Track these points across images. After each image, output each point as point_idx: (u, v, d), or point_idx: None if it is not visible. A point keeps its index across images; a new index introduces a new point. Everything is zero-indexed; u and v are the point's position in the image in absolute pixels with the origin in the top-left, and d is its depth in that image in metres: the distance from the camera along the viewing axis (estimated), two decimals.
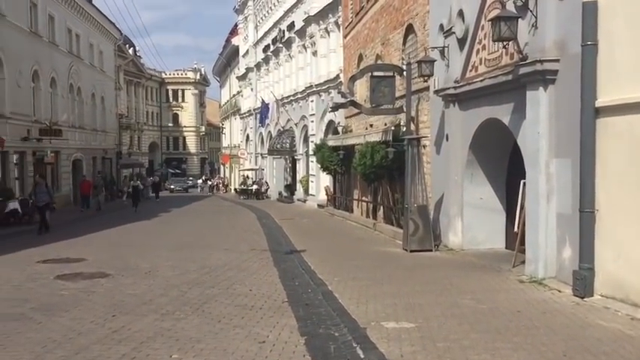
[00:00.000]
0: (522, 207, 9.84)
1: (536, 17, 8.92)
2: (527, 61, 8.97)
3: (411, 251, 12.49)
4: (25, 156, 24.46)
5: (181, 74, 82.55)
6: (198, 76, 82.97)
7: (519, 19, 9.05)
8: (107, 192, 33.34)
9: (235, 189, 45.46)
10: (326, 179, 25.73)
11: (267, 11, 38.66)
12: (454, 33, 12.19)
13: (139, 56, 70.72)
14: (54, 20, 28.48)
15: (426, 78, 13.03)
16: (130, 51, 64.23)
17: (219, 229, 19.15)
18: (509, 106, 10.11)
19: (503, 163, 12.07)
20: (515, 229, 10.19)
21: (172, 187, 56.55)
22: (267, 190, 38.52)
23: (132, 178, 32.36)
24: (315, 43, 27.68)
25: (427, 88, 13.87)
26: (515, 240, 10.25)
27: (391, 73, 15.04)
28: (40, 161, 25.91)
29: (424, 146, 13.91)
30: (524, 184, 9.67)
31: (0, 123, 21.78)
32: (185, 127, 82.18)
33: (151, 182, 43.33)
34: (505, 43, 9.47)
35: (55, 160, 28.35)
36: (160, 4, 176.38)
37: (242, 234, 17.19)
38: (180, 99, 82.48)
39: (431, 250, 12.46)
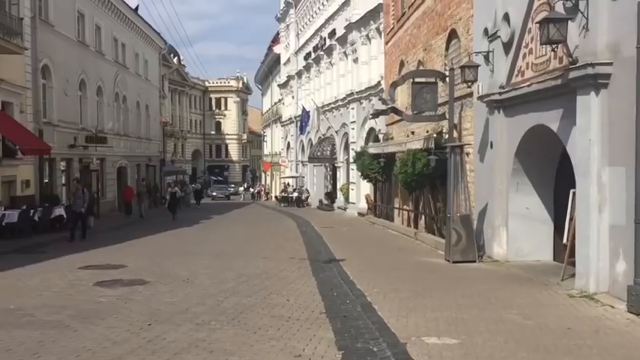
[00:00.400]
0: (572, 218, 9.38)
1: (587, 19, 8.50)
2: (578, 65, 8.55)
3: (454, 262, 12.10)
4: (71, 163, 25.02)
5: (224, 82, 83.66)
6: (240, 85, 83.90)
7: (569, 21, 8.64)
8: (150, 199, 33.79)
9: (276, 196, 45.57)
10: (366, 187, 25.47)
11: (309, 19, 38.73)
12: (499, 37, 11.80)
13: (184, 65, 72.04)
14: (101, 30, 29.15)
15: (469, 84, 12.66)
16: (175, 60, 65.59)
17: (258, 236, 19.12)
18: (558, 112, 9.67)
19: (550, 172, 11.59)
20: (564, 240, 9.72)
21: (214, 194, 56.32)
22: (307, 197, 38.46)
23: (170, 185, 32.08)
24: (356, 50, 27.52)
25: (471, 94, 13.48)
26: (564, 252, 9.78)
27: (433, 80, 14.71)
28: (86, 168, 26.45)
29: (467, 154, 13.52)
30: (574, 193, 9.21)
31: (48, 130, 22.29)
32: (227, 134, 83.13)
33: (193, 189, 43.83)
34: (554, 46, 9.06)
35: (101, 167, 28.91)
36: (206, 14, 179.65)
37: (281, 242, 17.11)
38: (223, 107, 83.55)
39: (474, 262, 12.04)
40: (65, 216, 20.25)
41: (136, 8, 36.06)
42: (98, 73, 28.54)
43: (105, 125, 28.75)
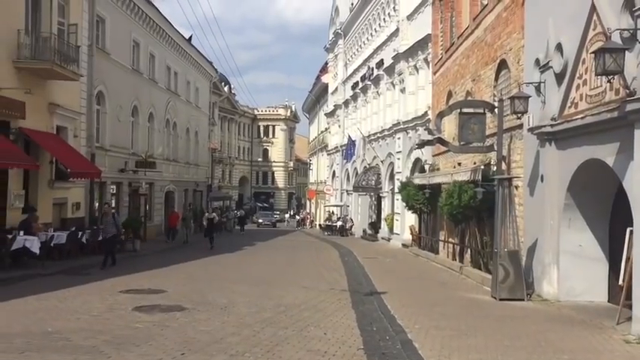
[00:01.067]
0: (629, 258, 8.81)
1: None
2: (636, 97, 8.11)
3: (500, 300, 11.57)
4: (121, 187, 25.52)
5: (273, 111, 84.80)
6: (288, 113, 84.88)
7: (626, 52, 8.24)
8: (196, 224, 34.06)
9: (320, 224, 45.39)
10: (411, 218, 25.04)
11: (357, 49, 38.91)
12: (551, 67, 11.41)
13: (234, 93, 73.51)
14: (155, 58, 29.95)
15: (519, 115, 12.27)
16: (225, 88, 66.97)
17: (300, 265, 18.99)
18: (613, 145, 9.19)
19: (605, 208, 11.00)
20: (620, 281, 9.13)
21: (260, 220, 55.87)
22: (351, 226, 38.15)
23: (207, 211, 30.38)
24: (403, 80, 27.36)
25: (520, 126, 13.06)
26: (620, 294, 9.18)
27: (481, 110, 14.34)
28: (135, 192, 26.95)
29: (516, 187, 13.04)
30: (632, 232, 8.66)
31: (100, 155, 22.83)
32: (274, 162, 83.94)
33: (236, 215, 44.00)
34: (610, 77, 8.64)
35: (149, 191, 29.41)
36: (257, 45, 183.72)
37: (322, 271, 16.91)
38: (270, 135, 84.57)
39: (522, 300, 11.48)
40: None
41: (190, 38, 37.05)
42: (150, 99, 29.24)
43: (155, 150, 29.30)
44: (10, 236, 14.99)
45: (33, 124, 17.14)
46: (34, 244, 15.15)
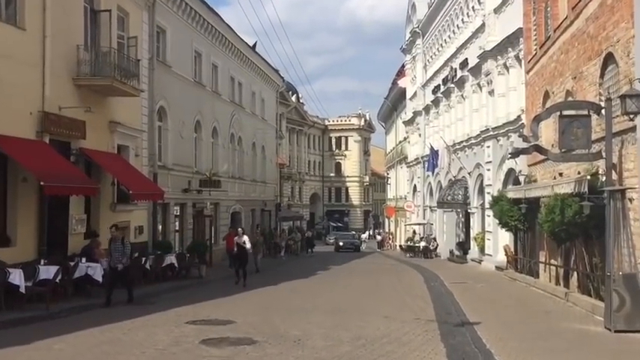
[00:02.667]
0: None
1: None
2: None
3: (616, 331, 10.98)
4: (185, 207, 26.26)
5: (345, 120, 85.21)
6: (362, 122, 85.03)
7: None
8: (266, 247, 34.56)
9: (400, 245, 45.00)
10: (505, 237, 24.37)
11: (438, 49, 38.54)
12: None
13: (302, 103, 74.46)
14: (217, 69, 30.83)
15: (631, 116, 11.67)
16: (293, 98, 67.99)
17: (379, 291, 18.91)
18: None
19: None
20: None
21: (340, 244, 50.79)
22: (436, 247, 37.59)
23: (237, 233, 23.28)
24: (491, 82, 26.81)
25: (633, 129, 12.42)
26: None
27: (585, 112, 13.77)
28: (199, 213, 27.66)
29: (630, 200, 12.38)
30: None
31: (162, 174, 23.62)
32: (348, 176, 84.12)
33: (302, 237, 44.11)
34: None
35: (214, 212, 30.10)
36: (327, 49, 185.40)
37: (405, 299, 16.76)
38: (343, 147, 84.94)
39: None
40: (177, 264, 21.11)
41: (254, 45, 37.90)
42: (214, 113, 30.05)
43: (219, 168, 30.03)
44: (72, 263, 15.58)
45: (94, 144, 17.95)
46: (96, 271, 15.72)
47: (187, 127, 26.62)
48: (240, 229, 26.67)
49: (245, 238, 21.59)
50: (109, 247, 15.41)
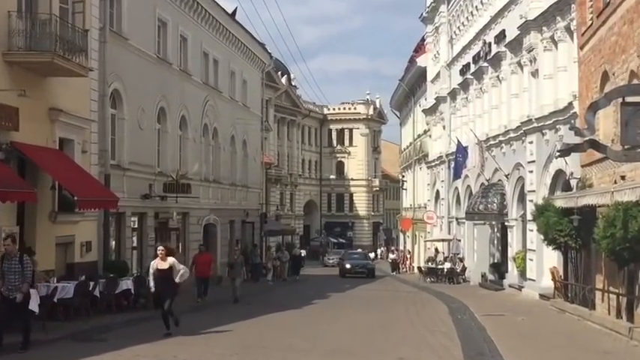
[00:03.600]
0: None
1: None
2: None
3: None
4: (144, 218, 26.25)
5: (349, 108, 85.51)
6: (371, 111, 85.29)
7: None
8: (248, 269, 34.57)
9: (419, 267, 44.99)
10: (552, 257, 24.40)
11: (467, 19, 38.61)
12: None
13: (295, 86, 74.67)
14: (187, 43, 30.87)
15: None
16: (283, 80, 68.22)
17: (393, 326, 18.90)
18: None
19: None
20: None
21: (348, 266, 47.39)
22: (464, 270, 37.59)
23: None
24: (535, 59, 26.85)
25: None
26: None
27: None
28: (163, 225, 27.64)
29: None
30: None
31: (116, 176, 23.58)
32: (352, 179, 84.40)
33: (289, 257, 43.42)
34: None
35: (183, 224, 30.06)
36: (327, 17, 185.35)
37: (425, 335, 16.78)
38: (346, 142, 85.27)
39: None
40: (133, 291, 21.10)
41: (233, 13, 37.92)
42: (182, 98, 30.06)
43: (189, 168, 29.99)
44: None
45: (29, 136, 17.88)
46: (32, 298, 15.66)
47: (148, 116, 26.60)
48: (202, 247, 27.18)
49: (174, 262, 16.54)
50: (0, 267, 13.54)
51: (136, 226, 25.89)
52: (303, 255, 49.51)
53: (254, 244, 40.17)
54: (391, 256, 56.81)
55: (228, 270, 27.22)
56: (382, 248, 73.54)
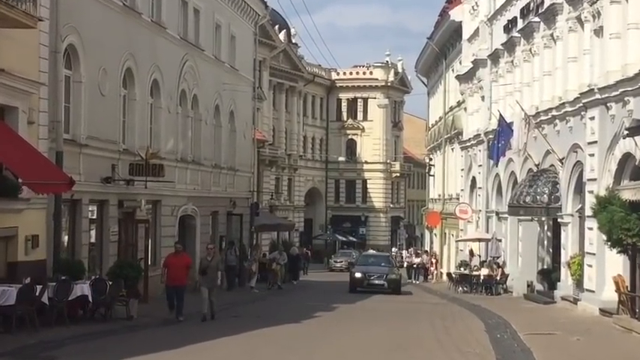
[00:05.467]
0: None
1: None
2: None
3: None
4: (105, 207, 26.21)
5: (364, 73, 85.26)
6: (391, 77, 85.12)
7: None
8: (231, 275, 34.55)
9: (449, 274, 45.01)
10: (617, 262, 24.38)
11: None
12: None
13: (296, 44, 74.40)
14: None
15: None
16: (282, 36, 67.99)
17: (414, 346, 18.91)
18: None
19: None
20: None
21: (358, 275, 40.52)
22: (505, 277, 37.57)
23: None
24: (599, 14, 26.74)
25: None
26: None
27: None
28: (129, 216, 27.63)
29: None
30: None
31: (71, 154, 23.50)
32: (367, 163, 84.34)
33: (285, 259, 43.32)
34: None
35: (153, 215, 30.05)
36: None
37: (455, 357, 16.88)
38: (360, 115, 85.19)
39: None
40: (91, 297, 21.13)
41: None
42: (154, 57, 30.00)
43: (162, 145, 30.00)
44: None
45: None
46: None
47: (112, 78, 26.55)
48: (178, 245, 25.60)
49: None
50: None
51: (94, 216, 25.87)
52: (308, 254, 48.82)
53: (230, 241, 39.16)
54: (415, 259, 55.19)
55: (199, 277, 24.64)
56: (403, 251, 72.75)
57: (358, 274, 40.67)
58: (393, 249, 73.22)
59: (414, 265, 54.07)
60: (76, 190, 22.37)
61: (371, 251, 58.71)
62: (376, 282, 39.97)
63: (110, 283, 22.57)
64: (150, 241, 29.32)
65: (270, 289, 39.34)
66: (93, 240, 25.77)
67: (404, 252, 57.01)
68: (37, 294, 19.04)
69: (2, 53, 19.55)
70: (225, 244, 38.42)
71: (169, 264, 24.25)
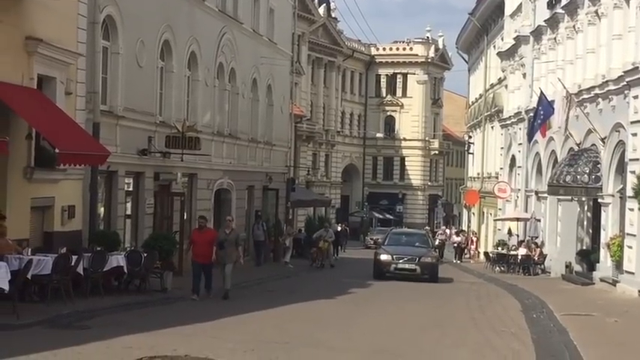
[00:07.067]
0: None
1: None
2: None
3: None
4: (141, 179, 26.35)
5: (404, 49, 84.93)
6: (432, 53, 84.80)
7: None
8: (265, 250, 34.62)
9: (486, 253, 44.88)
10: None
11: None
12: None
13: (335, 19, 74.28)
14: None
15: None
16: (321, 9, 67.90)
17: (449, 324, 19.00)
18: None
19: None
20: None
21: (383, 257, 33.67)
22: (543, 258, 37.44)
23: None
24: None
25: None
26: None
27: None
28: (164, 189, 27.80)
29: None
30: None
31: (108, 125, 23.72)
32: (405, 140, 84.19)
33: (332, 237, 42.28)
34: None
35: (189, 188, 30.22)
36: None
37: (491, 337, 16.78)
38: (399, 91, 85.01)
39: None
40: (126, 269, 21.34)
41: None
42: (192, 30, 30.04)
43: (198, 118, 30.10)
44: None
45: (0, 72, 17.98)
46: (0, 274, 15.94)
47: (149, 50, 26.66)
48: (202, 220, 23.88)
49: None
50: None
51: (130, 188, 26.06)
52: (346, 230, 47.92)
53: (257, 215, 38.24)
54: (455, 238, 54.45)
55: (216, 251, 22.94)
56: (442, 228, 71.60)
57: (384, 256, 33.74)
58: (426, 227, 71.19)
59: (455, 244, 53.54)
60: (112, 162, 22.57)
61: (404, 229, 54.89)
62: (407, 266, 33.14)
63: (145, 255, 22.77)
64: (185, 214, 29.47)
65: (319, 267, 38.40)
66: (128, 212, 25.98)
67: (455, 236, 55.04)
68: (73, 264, 19.16)
69: (41, 23, 19.68)
70: (260, 219, 38.26)
71: (194, 240, 23.45)
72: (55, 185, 20.96)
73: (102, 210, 24.17)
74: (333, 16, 72.92)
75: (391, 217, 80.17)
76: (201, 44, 30.76)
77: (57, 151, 19.14)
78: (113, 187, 24.77)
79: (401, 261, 33.06)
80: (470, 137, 64.12)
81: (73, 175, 21.56)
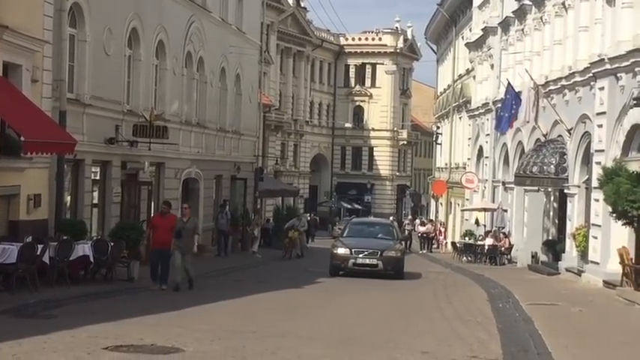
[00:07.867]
0: None
1: None
2: None
3: None
4: (108, 168, 26.25)
5: (373, 39, 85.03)
6: (400, 43, 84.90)
7: None
8: (235, 238, 34.52)
9: (453, 243, 45.11)
10: (622, 234, 24.40)
11: None
12: None
13: (304, 8, 74.18)
14: None
15: None
16: (290, 0, 67.65)
17: (416, 313, 19.01)
18: None
19: None
20: None
21: (341, 251, 29.20)
22: (510, 248, 37.66)
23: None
24: None
25: None
26: None
27: None
28: (131, 178, 27.70)
29: None
30: None
31: (75, 114, 23.56)
32: (374, 130, 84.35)
33: (305, 226, 42.85)
34: None
35: (156, 177, 30.14)
36: None
37: (457, 326, 16.82)
38: (368, 81, 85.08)
39: None
40: (93, 258, 21.25)
41: None
42: (160, 18, 29.93)
43: (166, 107, 30.01)
44: None
45: None
46: None
47: (117, 38, 26.51)
48: (165, 206, 22.98)
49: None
50: None
51: (97, 177, 25.96)
52: (317, 220, 47.98)
53: (221, 204, 37.13)
54: (421, 228, 54.44)
55: (174, 241, 21.79)
56: (409, 218, 72.13)
57: (342, 250, 29.32)
58: (391, 217, 69.89)
59: (420, 235, 53.76)
60: (78, 150, 22.40)
61: (366, 218, 52.66)
62: (367, 261, 28.76)
63: (112, 244, 22.69)
64: (152, 203, 29.38)
65: (291, 258, 38.45)
66: (95, 201, 25.86)
67: (421, 226, 54.84)
68: (38, 253, 19.12)
69: (7, 10, 19.52)
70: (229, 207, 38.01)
71: (155, 225, 22.51)
72: (21, 174, 20.82)
73: (68, 199, 24.03)
74: (302, 5, 72.88)
75: (359, 207, 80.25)
76: (169, 33, 30.65)
77: (23, 139, 19.01)
78: (80, 176, 24.64)
79: (361, 255, 28.79)
80: (438, 128, 64.42)
81: (39, 163, 21.41)
